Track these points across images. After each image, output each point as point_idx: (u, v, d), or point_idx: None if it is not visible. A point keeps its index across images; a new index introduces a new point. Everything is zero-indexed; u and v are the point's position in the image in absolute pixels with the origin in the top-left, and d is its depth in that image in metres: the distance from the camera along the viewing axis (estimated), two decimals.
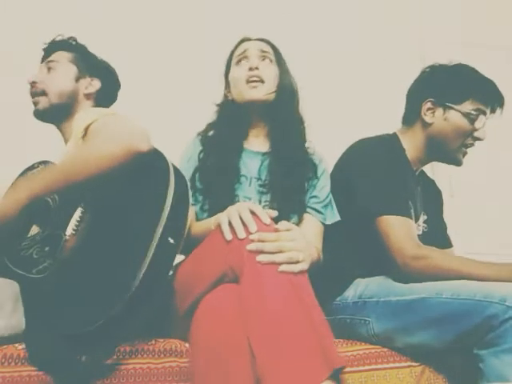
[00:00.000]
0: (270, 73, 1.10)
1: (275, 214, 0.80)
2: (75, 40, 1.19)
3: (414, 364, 0.91)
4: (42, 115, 1.14)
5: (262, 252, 0.69)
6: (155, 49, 1.97)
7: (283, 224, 0.78)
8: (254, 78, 1.07)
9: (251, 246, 0.70)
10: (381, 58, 2.26)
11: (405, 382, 0.89)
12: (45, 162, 1.02)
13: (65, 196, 0.91)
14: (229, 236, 0.73)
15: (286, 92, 1.11)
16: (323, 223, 1.08)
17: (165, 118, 1.77)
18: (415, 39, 2.35)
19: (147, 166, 0.84)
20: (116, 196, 0.87)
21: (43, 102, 1.12)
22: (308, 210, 1.07)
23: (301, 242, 0.76)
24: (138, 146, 0.81)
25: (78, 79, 1.14)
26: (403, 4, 2.40)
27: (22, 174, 1.04)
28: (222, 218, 0.77)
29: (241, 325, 0.64)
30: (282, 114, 1.10)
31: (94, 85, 1.16)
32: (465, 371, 0.86)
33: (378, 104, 2.06)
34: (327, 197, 1.10)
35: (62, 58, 1.15)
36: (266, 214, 0.76)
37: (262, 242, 0.71)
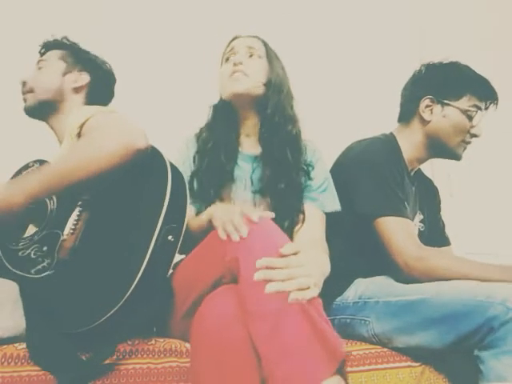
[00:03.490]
0: (255, 67, 1.07)
1: (272, 215, 0.76)
2: (67, 38, 1.20)
3: (414, 364, 0.91)
4: (30, 112, 1.14)
5: (270, 280, 0.64)
6: (152, 48, 1.97)
7: (289, 247, 0.70)
8: (237, 73, 1.05)
9: (259, 275, 0.64)
10: (380, 60, 2.27)
11: (405, 382, 0.89)
12: (40, 161, 1.01)
13: (63, 195, 0.90)
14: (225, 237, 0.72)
15: (274, 86, 1.07)
16: (324, 212, 1.04)
17: (159, 117, 1.76)
18: (415, 40, 2.36)
19: (145, 164, 0.83)
20: (114, 194, 0.87)
21: (31, 99, 1.12)
22: (303, 200, 1.04)
23: (310, 265, 0.70)
24: (137, 143, 0.81)
25: (65, 74, 1.14)
26: (403, 3, 2.40)
27: (17, 173, 1.03)
28: (217, 222, 0.76)
29: (242, 325, 0.63)
30: (269, 109, 1.06)
31: (83, 78, 1.16)
32: (465, 371, 0.86)
33: (376, 104, 2.06)
34: (322, 183, 1.07)
35: (52, 56, 1.16)
36: (258, 217, 0.72)
37: (271, 268, 0.65)
